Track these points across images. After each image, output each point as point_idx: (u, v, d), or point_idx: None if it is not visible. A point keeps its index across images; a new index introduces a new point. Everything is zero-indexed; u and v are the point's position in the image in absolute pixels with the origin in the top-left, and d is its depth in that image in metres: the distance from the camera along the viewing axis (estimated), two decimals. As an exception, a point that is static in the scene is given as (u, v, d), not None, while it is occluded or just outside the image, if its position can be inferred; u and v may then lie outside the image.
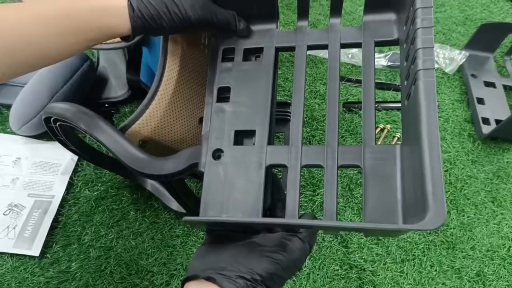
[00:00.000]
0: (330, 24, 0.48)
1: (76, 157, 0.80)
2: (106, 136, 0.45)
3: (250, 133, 0.45)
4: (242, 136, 0.46)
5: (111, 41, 0.55)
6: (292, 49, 0.49)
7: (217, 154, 0.45)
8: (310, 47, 0.48)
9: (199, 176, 0.44)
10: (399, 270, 0.70)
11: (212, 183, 0.43)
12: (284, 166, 0.42)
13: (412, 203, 0.35)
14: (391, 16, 0.46)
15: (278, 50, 0.49)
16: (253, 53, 0.50)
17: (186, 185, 0.65)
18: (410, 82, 0.39)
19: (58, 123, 0.48)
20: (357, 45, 0.47)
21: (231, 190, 0.42)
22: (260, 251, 0.37)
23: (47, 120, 0.48)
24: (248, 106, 0.46)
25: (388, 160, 0.39)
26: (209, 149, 0.45)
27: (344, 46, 0.47)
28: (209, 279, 0.35)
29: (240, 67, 0.48)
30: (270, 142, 0.44)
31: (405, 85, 0.41)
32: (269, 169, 0.43)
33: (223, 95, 0.48)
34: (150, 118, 0.48)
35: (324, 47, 0.48)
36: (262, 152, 0.43)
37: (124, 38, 0.45)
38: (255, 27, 0.50)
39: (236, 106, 0.46)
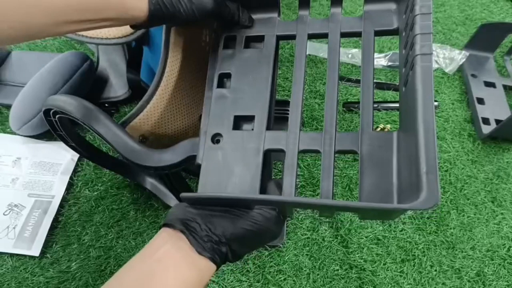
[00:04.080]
0: (331, 13, 0.49)
1: (76, 157, 0.80)
2: (105, 128, 0.45)
3: (249, 118, 0.46)
4: (241, 121, 0.46)
5: (112, 35, 0.56)
6: (293, 37, 0.49)
7: (216, 138, 0.45)
8: (311, 36, 0.49)
9: (197, 173, 0.44)
10: (399, 270, 0.70)
11: (211, 166, 0.43)
12: (281, 151, 0.43)
13: (407, 185, 0.35)
14: (391, 5, 0.47)
15: (279, 38, 0.50)
16: (254, 41, 0.51)
17: (184, 179, 0.65)
18: (408, 68, 0.39)
19: (57, 116, 0.48)
20: (357, 34, 0.47)
21: (229, 173, 0.43)
22: (233, 216, 0.38)
23: (46, 112, 0.48)
24: (248, 92, 0.46)
25: (385, 146, 0.40)
26: (208, 134, 0.45)
27: (344, 35, 0.48)
28: (182, 232, 0.37)
29: (241, 54, 0.49)
30: (268, 127, 0.45)
31: (403, 72, 0.41)
32: (267, 153, 0.44)
33: (224, 81, 0.49)
34: (151, 113, 0.49)
35: (325, 35, 0.48)
36: (260, 137, 0.44)
37: (139, 26, 0.44)
38: (256, 16, 0.51)
39: (236, 92, 0.47)
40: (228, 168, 0.43)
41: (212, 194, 0.41)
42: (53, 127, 0.52)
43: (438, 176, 0.31)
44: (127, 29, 0.55)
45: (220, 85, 0.48)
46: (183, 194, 0.37)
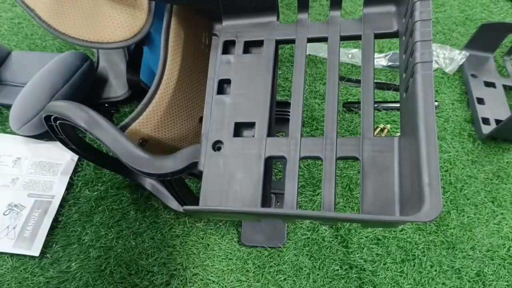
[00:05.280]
0: (330, 16, 0.49)
1: (76, 157, 0.80)
2: (106, 135, 0.45)
3: (250, 125, 0.46)
4: (242, 128, 0.46)
5: (112, 40, 0.56)
6: (292, 41, 0.49)
7: (217, 145, 0.45)
8: (310, 40, 0.49)
9: (199, 176, 0.44)
10: (399, 270, 0.70)
11: (212, 174, 0.43)
12: (283, 158, 0.43)
13: (409, 194, 0.35)
14: (391, 8, 0.46)
15: (278, 42, 0.50)
16: (253, 46, 0.51)
17: (185, 184, 0.65)
18: (408, 75, 0.39)
19: (58, 122, 0.48)
20: (357, 37, 0.47)
21: (231, 181, 0.43)
22: None
23: (47, 118, 0.48)
24: (248, 98, 0.46)
25: (386, 152, 0.40)
26: (209, 141, 0.45)
27: (344, 38, 0.48)
28: None
29: (240, 59, 0.49)
30: (269, 134, 0.45)
31: (404, 78, 0.41)
32: (269, 160, 0.44)
33: (224, 87, 0.49)
34: (151, 116, 0.49)
35: (324, 39, 0.48)
36: (261, 144, 0.44)
37: None
38: (255, 20, 0.51)
39: (236, 98, 0.47)
40: (230, 176, 0.43)
41: (214, 208, 0.41)
42: (54, 131, 0.52)
43: (440, 187, 0.31)
44: (127, 33, 0.55)
45: (220, 91, 0.48)
46: (186, 207, 0.37)
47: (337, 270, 0.70)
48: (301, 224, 0.74)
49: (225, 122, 0.46)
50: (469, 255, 0.72)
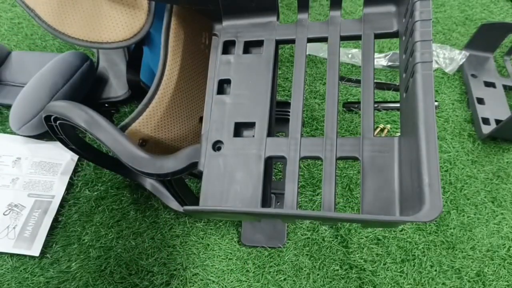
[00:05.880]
0: (330, 16, 0.49)
1: (76, 157, 0.80)
2: (106, 135, 0.45)
3: (250, 125, 0.46)
4: (242, 128, 0.46)
5: (112, 40, 0.56)
6: (292, 41, 0.49)
7: (217, 145, 0.45)
8: (310, 40, 0.49)
9: (199, 176, 0.44)
10: (399, 270, 0.70)
11: (212, 174, 0.44)
12: (283, 158, 0.43)
13: (409, 194, 0.35)
14: (391, 8, 0.46)
15: (278, 42, 0.50)
16: (253, 46, 0.51)
17: (185, 184, 0.65)
18: (408, 75, 0.39)
19: (58, 122, 0.48)
20: (357, 37, 0.47)
21: (231, 181, 0.43)
22: None
23: (47, 118, 0.48)
24: (248, 98, 0.46)
25: (386, 152, 0.40)
26: (209, 141, 0.45)
27: (344, 38, 0.48)
28: None
29: (240, 60, 0.49)
30: (269, 134, 0.45)
31: (404, 78, 0.41)
32: (269, 160, 0.44)
33: (224, 87, 0.49)
34: (151, 116, 0.49)
35: (324, 39, 0.48)
36: (261, 144, 0.44)
37: None
38: (255, 20, 0.50)
39: (236, 98, 0.47)
40: (230, 176, 0.43)
41: (214, 208, 0.41)
42: (54, 131, 0.52)
43: (440, 187, 0.31)
44: (127, 33, 0.55)
45: (220, 91, 0.48)
46: (186, 207, 0.37)
47: (337, 270, 0.70)
48: (301, 224, 0.74)
49: (225, 122, 0.46)
50: (469, 255, 0.72)
